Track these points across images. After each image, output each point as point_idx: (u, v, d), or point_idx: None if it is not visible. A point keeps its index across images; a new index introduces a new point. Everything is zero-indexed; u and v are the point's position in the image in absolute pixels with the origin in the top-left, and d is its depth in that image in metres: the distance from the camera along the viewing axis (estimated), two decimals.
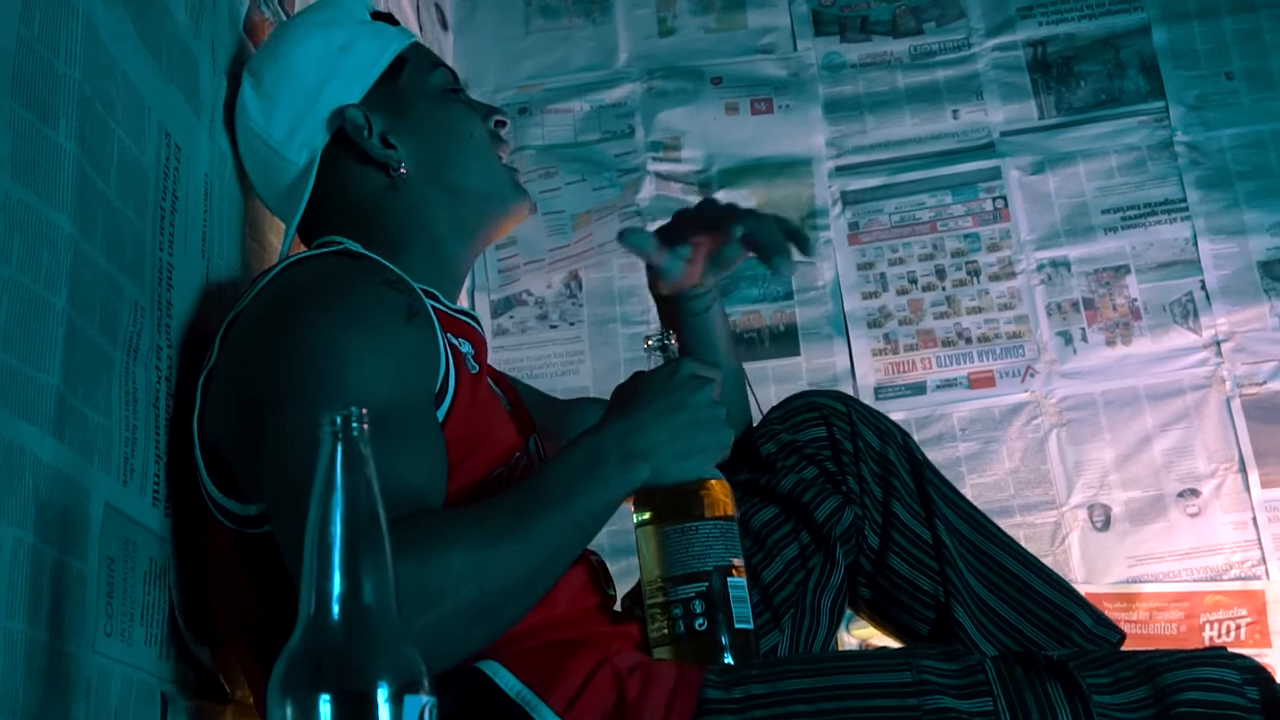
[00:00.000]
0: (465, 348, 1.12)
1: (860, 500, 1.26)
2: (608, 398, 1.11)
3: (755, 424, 1.35)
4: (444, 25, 2.39)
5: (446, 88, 1.24)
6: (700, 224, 1.26)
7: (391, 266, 1.09)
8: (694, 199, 2.31)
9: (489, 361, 1.25)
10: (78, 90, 0.91)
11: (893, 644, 1.30)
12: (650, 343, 1.13)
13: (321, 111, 1.19)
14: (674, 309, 1.33)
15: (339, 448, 0.69)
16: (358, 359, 0.95)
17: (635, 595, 1.14)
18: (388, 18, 1.29)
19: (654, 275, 1.30)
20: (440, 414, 1.02)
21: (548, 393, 1.45)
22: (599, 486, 0.98)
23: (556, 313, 2.30)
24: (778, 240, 1.21)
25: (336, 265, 1.07)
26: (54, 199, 0.86)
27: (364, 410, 0.70)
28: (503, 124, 1.26)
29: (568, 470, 0.98)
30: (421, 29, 2.14)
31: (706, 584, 1.02)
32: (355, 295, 1.00)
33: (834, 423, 1.28)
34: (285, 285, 1.04)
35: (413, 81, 1.22)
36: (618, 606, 1.18)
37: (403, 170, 1.18)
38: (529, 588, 0.94)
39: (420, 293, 1.07)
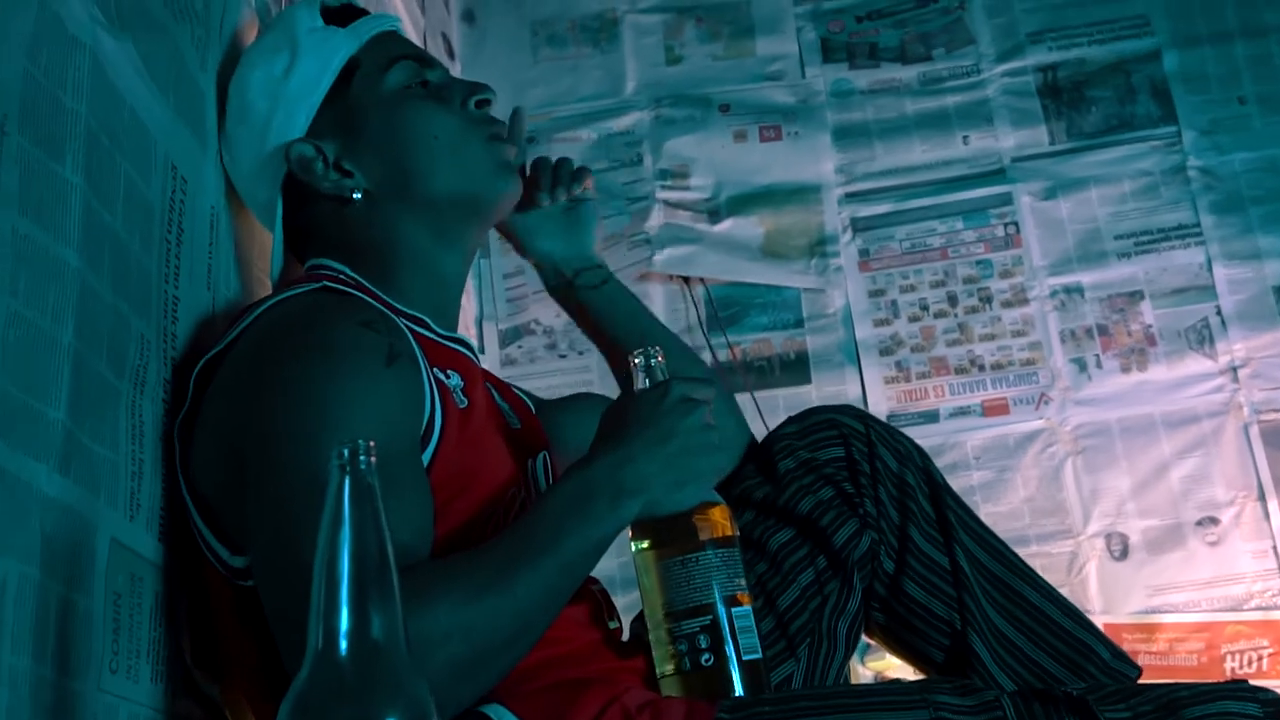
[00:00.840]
0: (453, 380, 1.08)
1: (877, 524, 1.24)
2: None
3: (771, 434, 1.32)
4: (451, 55, 2.40)
5: (405, 85, 1.15)
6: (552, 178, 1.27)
7: (373, 302, 1.06)
8: (703, 227, 2.31)
9: (502, 379, 1.24)
10: (84, 125, 0.91)
11: (907, 670, 1.29)
12: (636, 361, 1.09)
13: (271, 149, 1.14)
14: (566, 292, 1.33)
15: (347, 481, 0.69)
16: (338, 408, 0.93)
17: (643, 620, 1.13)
18: (344, 12, 1.19)
19: (519, 244, 1.32)
20: (426, 457, 1.00)
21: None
22: (589, 526, 0.95)
23: (565, 342, 2.30)
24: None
25: (314, 306, 1.03)
26: (61, 234, 0.86)
27: (372, 443, 0.70)
28: (485, 103, 1.17)
29: (556, 511, 0.96)
30: None
31: (710, 617, 1.01)
32: (333, 340, 0.97)
33: (853, 443, 1.27)
34: (264, 331, 1.01)
35: (364, 90, 1.14)
36: (625, 635, 1.17)
37: (357, 197, 1.13)
38: (520, 637, 0.92)
39: (403, 329, 1.03)
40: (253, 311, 1.04)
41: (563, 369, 2.28)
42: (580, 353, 2.29)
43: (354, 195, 1.13)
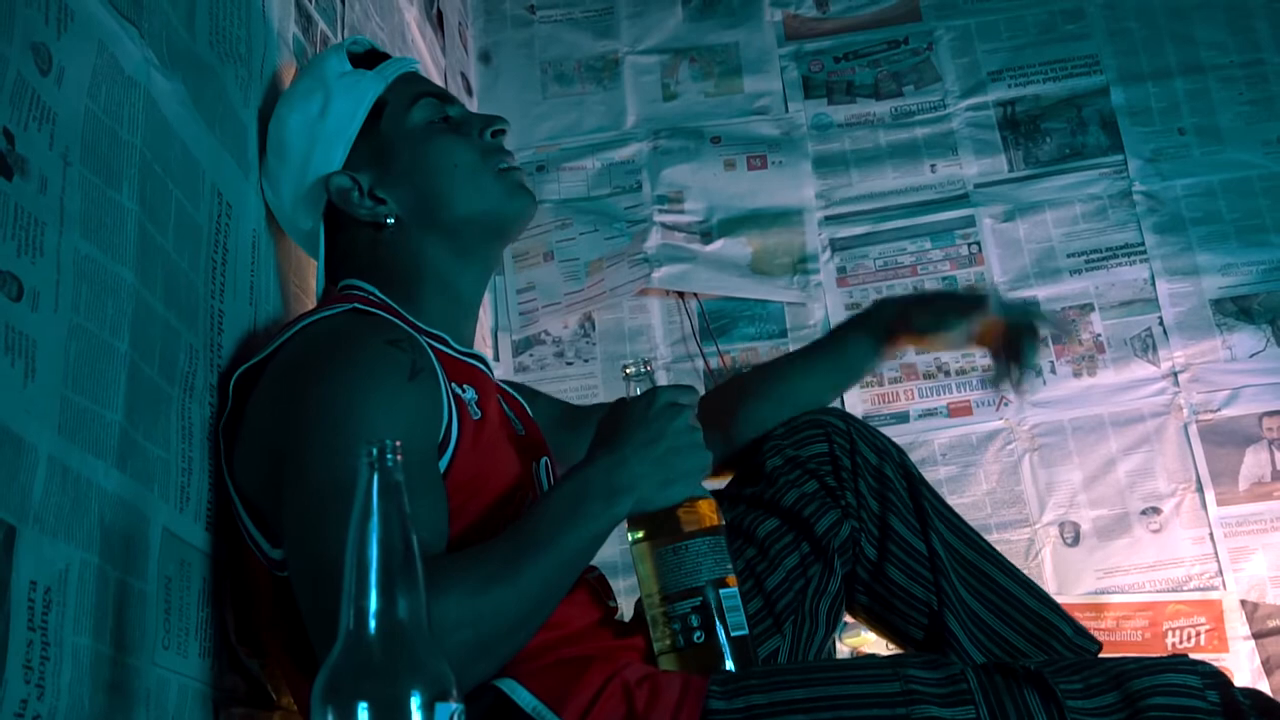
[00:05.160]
0: (469, 394, 1.08)
1: (857, 514, 1.24)
2: None
3: (760, 435, 1.32)
4: (470, 92, 2.40)
5: (429, 120, 1.17)
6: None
7: (399, 322, 1.06)
8: (696, 247, 2.31)
9: (503, 385, 1.23)
10: (139, 156, 0.91)
11: (881, 646, 1.28)
12: (629, 371, 1.10)
13: (311, 182, 1.16)
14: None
15: (375, 477, 0.69)
16: (364, 417, 0.93)
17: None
18: (369, 56, 1.21)
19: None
20: (443, 463, 1.00)
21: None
22: (585, 524, 0.95)
23: (572, 351, 2.30)
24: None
25: (345, 326, 1.03)
26: (118, 253, 0.87)
27: (398, 443, 0.70)
28: (500, 132, 1.19)
29: (555, 509, 0.96)
30: None
31: (701, 598, 1.01)
32: (361, 356, 0.97)
33: (835, 439, 1.25)
34: (300, 347, 1.02)
35: (392, 126, 1.16)
36: (626, 616, 1.17)
37: (390, 222, 1.14)
38: (523, 625, 0.92)
39: (425, 347, 1.03)
40: (290, 329, 1.04)
41: (569, 375, 2.28)
42: (585, 361, 2.29)
43: (387, 220, 1.14)
